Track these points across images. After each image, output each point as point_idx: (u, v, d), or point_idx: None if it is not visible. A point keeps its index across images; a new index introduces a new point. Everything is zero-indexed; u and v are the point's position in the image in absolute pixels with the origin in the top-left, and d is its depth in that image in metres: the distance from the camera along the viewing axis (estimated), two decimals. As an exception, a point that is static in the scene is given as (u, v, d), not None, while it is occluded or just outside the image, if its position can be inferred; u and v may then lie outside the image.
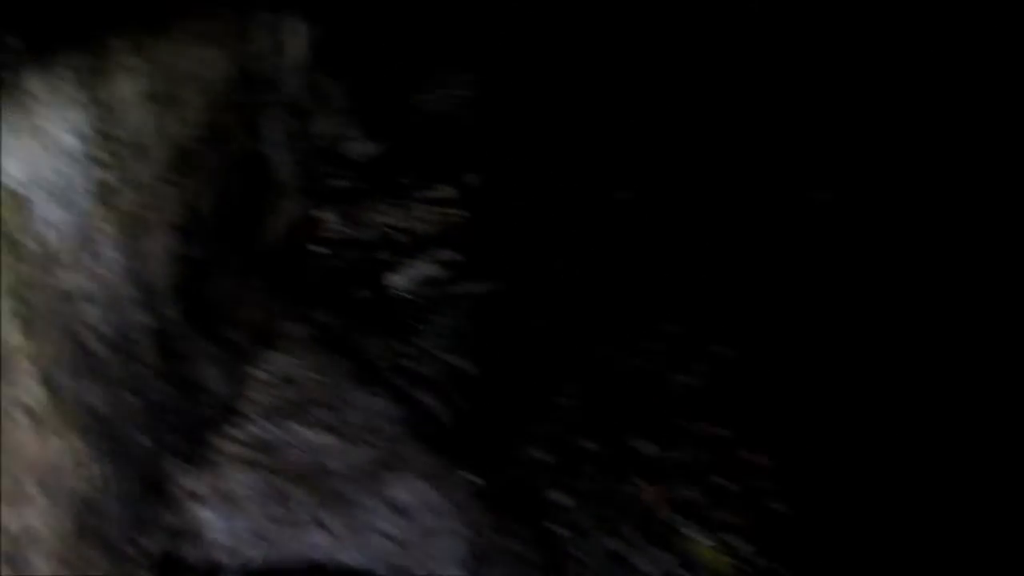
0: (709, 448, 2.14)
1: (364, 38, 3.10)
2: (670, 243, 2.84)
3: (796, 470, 2.04)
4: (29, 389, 1.16)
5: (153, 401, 1.52)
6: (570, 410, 2.36)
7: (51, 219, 1.25)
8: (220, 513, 1.60)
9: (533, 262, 2.63)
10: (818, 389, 2.23)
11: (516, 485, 2.12)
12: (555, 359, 2.46)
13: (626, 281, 2.75)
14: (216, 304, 1.91)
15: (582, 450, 2.20)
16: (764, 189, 2.87)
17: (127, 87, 1.51)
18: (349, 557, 1.70)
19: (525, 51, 3.35)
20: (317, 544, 1.68)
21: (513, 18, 3.36)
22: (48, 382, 1.20)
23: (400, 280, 2.33)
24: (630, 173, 3.09)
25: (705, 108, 3.09)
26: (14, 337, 1.13)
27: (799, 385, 2.26)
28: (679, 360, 2.44)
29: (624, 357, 2.48)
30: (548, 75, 3.30)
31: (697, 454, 2.11)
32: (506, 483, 2.12)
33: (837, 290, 2.49)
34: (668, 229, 2.89)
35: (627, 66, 3.22)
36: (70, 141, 1.31)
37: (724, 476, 2.04)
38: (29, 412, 1.16)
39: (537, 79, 3.30)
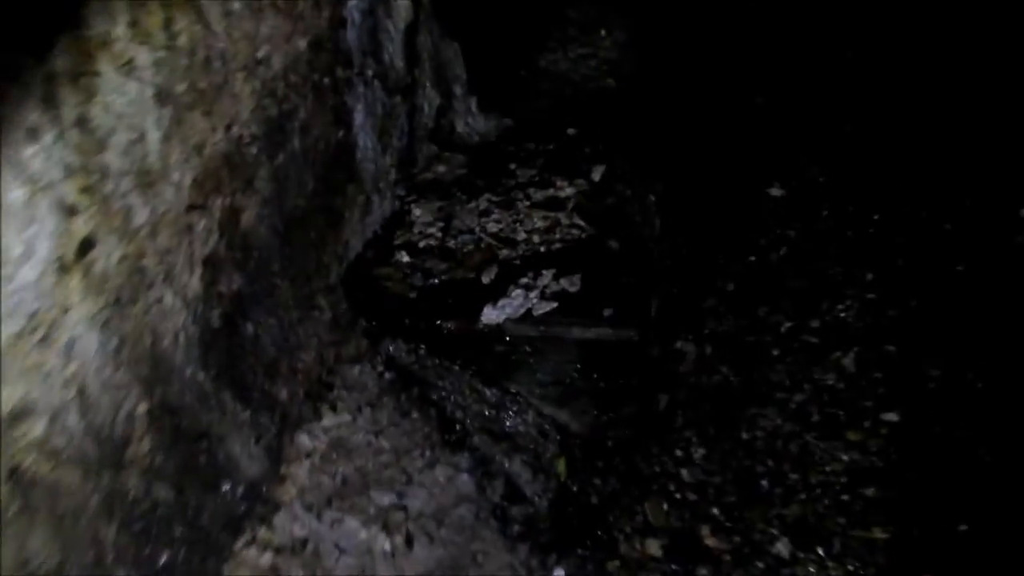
0: (864, 556, 1.70)
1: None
2: (825, 269, 2.34)
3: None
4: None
5: (142, 518, 1.15)
6: (692, 488, 1.96)
7: (-34, 318, 0.85)
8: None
9: (666, 304, 2.09)
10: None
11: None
12: (679, 421, 2.07)
13: (781, 327, 2.27)
14: (259, 351, 1.51)
15: (703, 547, 1.83)
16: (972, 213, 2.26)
17: (125, 93, 1.08)
18: None
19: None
20: None
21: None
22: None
23: (495, 314, 1.86)
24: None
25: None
26: None
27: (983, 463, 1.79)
28: (833, 426, 2.00)
29: (766, 418, 2.05)
30: (726, 34, 2.64)
31: (848, 563, 1.69)
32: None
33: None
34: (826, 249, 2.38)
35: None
36: (11, 192, 0.90)
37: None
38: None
39: (712, 39, 2.65)
